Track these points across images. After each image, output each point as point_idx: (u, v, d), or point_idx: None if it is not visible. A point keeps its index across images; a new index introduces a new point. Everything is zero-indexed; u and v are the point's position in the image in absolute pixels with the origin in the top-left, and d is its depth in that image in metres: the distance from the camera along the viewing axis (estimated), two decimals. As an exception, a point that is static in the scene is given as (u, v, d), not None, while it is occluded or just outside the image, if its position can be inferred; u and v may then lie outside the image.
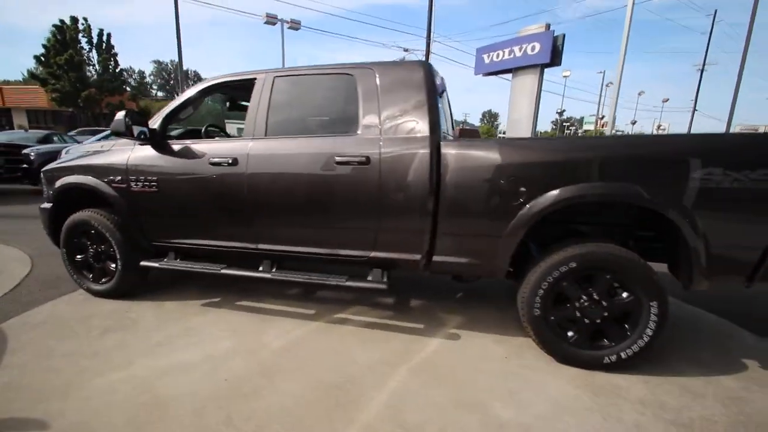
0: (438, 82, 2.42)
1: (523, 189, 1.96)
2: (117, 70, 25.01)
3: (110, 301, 2.88)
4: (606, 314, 2.00)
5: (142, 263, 2.74)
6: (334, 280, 2.35)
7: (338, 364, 2.12)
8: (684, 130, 39.73)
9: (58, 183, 2.89)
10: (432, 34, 17.09)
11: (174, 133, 3.01)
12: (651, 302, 1.91)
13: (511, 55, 11.90)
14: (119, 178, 2.67)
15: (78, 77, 22.58)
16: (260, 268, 2.54)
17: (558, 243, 2.09)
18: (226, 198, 2.48)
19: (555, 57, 11.06)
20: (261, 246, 2.52)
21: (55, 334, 2.39)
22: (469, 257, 2.17)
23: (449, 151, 2.09)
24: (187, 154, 2.56)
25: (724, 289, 3.13)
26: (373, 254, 2.30)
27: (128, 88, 28.22)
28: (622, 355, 1.99)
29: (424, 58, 17.41)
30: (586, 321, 2.03)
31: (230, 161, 2.42)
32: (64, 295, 2.98)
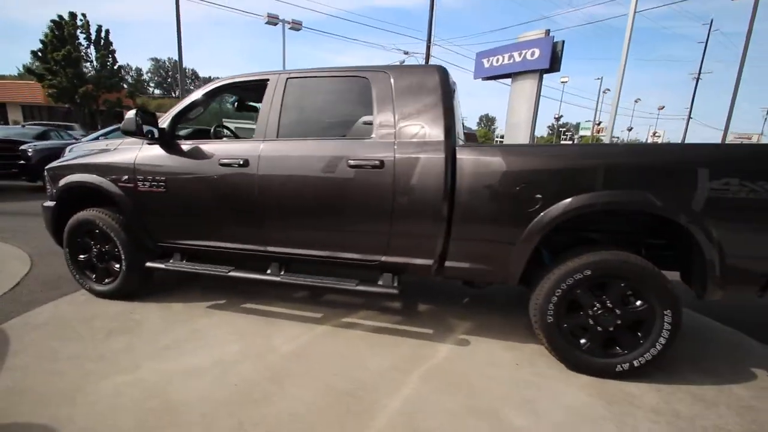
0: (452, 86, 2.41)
1: (539, 195, 1.96)
2: (115, 67, 24.80)
3: (114, 302, 2.83)
4: (619, 322, 2.00)
5: (148, 264, 2.70)
6: (345, 284, 2.33)
7: (348, 370, 2.10)
8: (679, 138, 40.19)
9: (63, 181, 2.84)
10: (432, 37, 17.15)
11: (182, 132, 2.98)
12: (665, 311, 1.91)
13: (511, 60, 11.96)
14: (126, 177, 2.63)
15: (75, 73, 22.34)
16: (268, 271, 2.51)
17: (569, 250, 2.09)
18: (235, 199, 2.45)
19: (554, 63, 11.13)
20: (270, 248, 2.49)
21: (58, 336, 2.34)
22: (483, 263, 2.16)
23: (465, 156, 2.08)
24: (196, 154, 2.53)
25: (737, 299, 3.15)
26: (384, 258, 2.28)
27: (125, 86, 27.94)
28: (635, 363, 1.99)
29: (424, 62, 17.47)
30: (599, 329, 2.03)
31: (241, 162, 2.39)
32: (65, 295, 2.93)
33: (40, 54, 22.25)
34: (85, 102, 23.29)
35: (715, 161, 1.83)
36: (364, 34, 28.52)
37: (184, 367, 2.07)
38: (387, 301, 3.02)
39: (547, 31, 11.38)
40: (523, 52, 11.53)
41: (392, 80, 2.26)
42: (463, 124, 3.26)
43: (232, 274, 2.54)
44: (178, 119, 2.69)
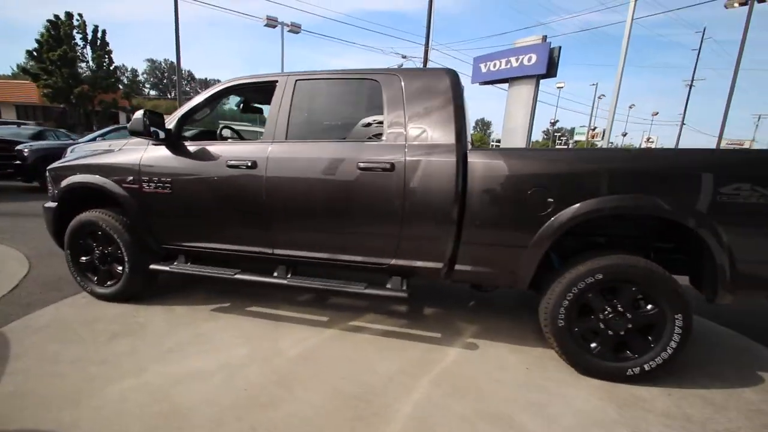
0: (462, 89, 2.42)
1: (551, 199, 1.96)
2: (111, 68, 24.67)
3: (115, 305, 2.79)
4: (630, 326, 2.00)
5: (152, 266, 2.67)
6: (354, 287, 2.31)
7: (356, 373, 2.07)
8: (672, 144, 40.69)
9: (65, 182, 2.80)
10: (430, 41, 17.25)
11: (188, 134, 2.95)
12: (676, 315, 1.91)
13: (508, 65, 12.07)
14: (131, 178, 2.60)
15: (71, 73, 22.21)
16: (275, 274, 2.49)
17: (579, 254, 2.09)
18: (243, 201, 2.43)
19: (551, 68, 11.25)
20: (277, 251, 2.46)
21: (59, 339, 2.30)
22: (493, 267, 2.15)
23: (476, 160, 2.08)
24: (203, 155, 2.50)
25: (747, 303, 3.17)
26: (393, 262, 2.27)
27: (121, 87, 27.79)
28: (646, 367, 1.99)
29: (422, 65, 17.55)
30: (610, 332, 2.02)
31: (249, 164, 2.37)
32: (66, 297, 2.88)
33: (35, 54, 22.08)
34: (81, 102, 23.13)
35: (725, 166, 1.84)
36: (362, 38, 28.72)
37: (190, 371, 2.03)
38: (394, 305, 3.00)
39: (544, 37, 11.52)
40: (520, 57, 11.63)
41: (403, 83, 2.26)
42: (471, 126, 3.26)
43: (238, 276, 2.51)
44: (185, 120, 2.66)
